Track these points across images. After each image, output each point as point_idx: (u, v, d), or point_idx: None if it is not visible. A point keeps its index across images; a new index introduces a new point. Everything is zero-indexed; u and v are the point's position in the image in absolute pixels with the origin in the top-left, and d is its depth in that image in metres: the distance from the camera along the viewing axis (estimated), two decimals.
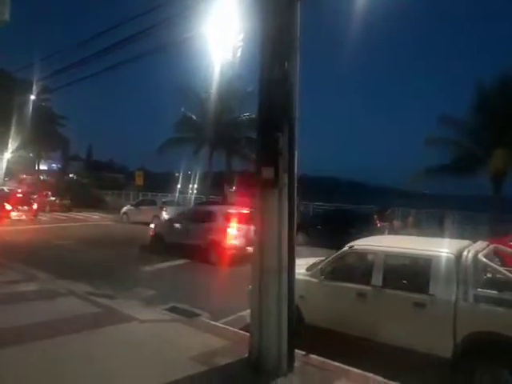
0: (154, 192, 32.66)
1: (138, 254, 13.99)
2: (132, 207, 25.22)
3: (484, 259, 5.09)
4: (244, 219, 12.35)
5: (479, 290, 4.87)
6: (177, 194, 29.96)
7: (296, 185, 5.00)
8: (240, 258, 10.96)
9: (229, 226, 12.23)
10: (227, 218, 12.56)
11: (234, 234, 12.12)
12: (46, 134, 38.29)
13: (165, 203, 24.36)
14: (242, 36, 8.89)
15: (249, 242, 10.65)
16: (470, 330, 4.71)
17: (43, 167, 53.54)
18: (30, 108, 30.01)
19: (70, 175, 59.39)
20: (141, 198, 28.54)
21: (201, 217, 13.37)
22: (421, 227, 17.52)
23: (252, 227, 8.03)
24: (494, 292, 4.80)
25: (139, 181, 32.43)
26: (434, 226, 17.56)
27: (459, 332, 4.77)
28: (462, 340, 4.74)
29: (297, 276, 5.16)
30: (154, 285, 9.25)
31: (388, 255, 5.71)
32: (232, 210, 13.23)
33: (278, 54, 4.84)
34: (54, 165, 61.27)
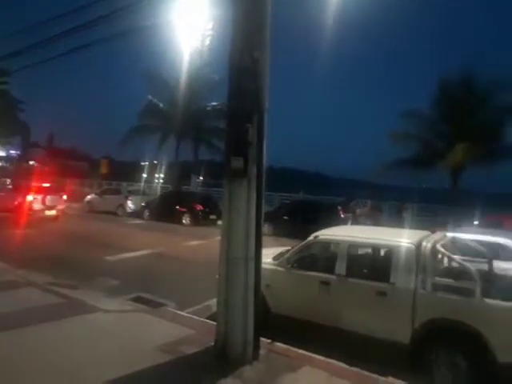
0: (119, 181, 31.95)
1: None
2: (96, 196, 24.60)
3: (442, 249, 5.32)
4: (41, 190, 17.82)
5: (437, 278, 5.10)
6: (142, 184, 29.41)
7: (264, 175, 5.04)
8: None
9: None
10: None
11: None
12: (3, 118, 36.58)
13: (130, 192, 23.91)
14: (211, 24, 8.78)
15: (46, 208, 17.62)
16: (427, 316, 4.93)
17: (1, 153, 51.25)
18: None
19: (31, 163, 57.11)
20: (105, 187, 27.87)
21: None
22: (381, 217, 18.21)
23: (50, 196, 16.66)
24: (450, 280, 5.04)
25: (104, 169, 31.69)
26: (394, 216, 18.24)
27: (417, 319, 4.97)
28: (419, 326, 4.95)
29: (263, 265, 5.23)
30: None
31: (351, 245, 5.88)
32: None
33: (248, 43, 4.82)
34: (12, 151, 58.71)
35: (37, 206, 17.65)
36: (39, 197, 17.84)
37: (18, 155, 57.18)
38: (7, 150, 56.16)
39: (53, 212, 18.25)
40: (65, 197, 19.71)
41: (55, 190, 19.23)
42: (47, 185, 19.25)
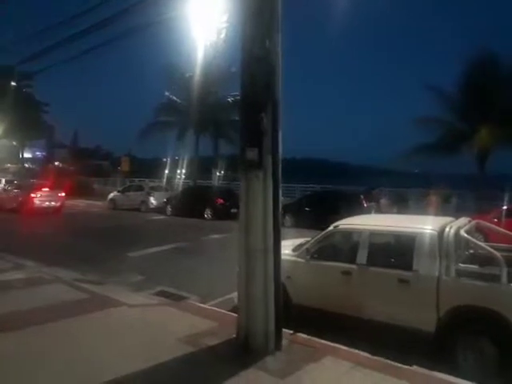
0: (141, 178, 32.40)
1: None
2: (119, 193, 25.01)
3: (466, 235, 5.18)
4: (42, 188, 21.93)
5: (461, 265, 4.97)
6: (164, 180, 29.74)
7: (280, 165, 4.99)
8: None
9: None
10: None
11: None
12: (29, 121, 37.55)
13: (152, 188, 24.22)
14: (226, 16, 8.70)
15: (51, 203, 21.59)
16: (452, 304, 4.81)
17: (27, 155, 52.67)
18: (12, 95, 29.34)
19: (56, 163, 58.52)
20: (128, 184, 28.32)
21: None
22: (406, 206, 17.75)
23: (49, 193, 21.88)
24: (475, 267, 4.90)
25: (125, 167, 32.15)
26: (419, 204, 17.81)
27: (442, 306, 4.87)
28: (444, 314, 4.84)
29: (283, 257, 5.20)
30: None
31: (372, 233, 5.77)
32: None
33: (259, 33, 4.76)
34: (38, 153, 60.29)
35: (37, 201, 21.37)
36: (39, 194, 21.62)
37: (44, 156, 58.64)
38: (33, 152, 57.70)
39: (52, 205, 21.91)
40: (63, 194, 22.80)
41: (54, 188, 22.79)
42: (48, 183, 23.37)
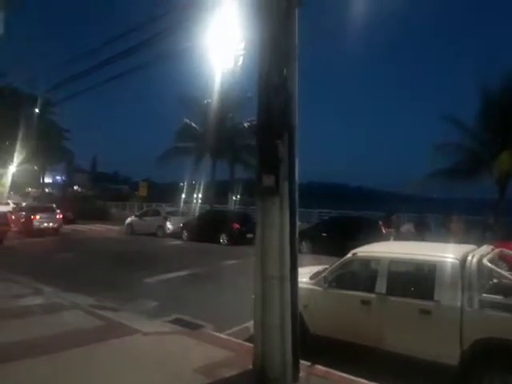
0: (159, 202, 32.67)
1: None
2: (136, 218, 25.18)
3: (489, 264, 5.02)
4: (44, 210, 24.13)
5: (485, 295, 4.80)
6: (181, 204, 29.91)
7: (297, 192, 4.97)
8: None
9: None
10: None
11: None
12: (50, 147, 38.54)
13: (169, 213, 24.34)
14: (243, 44, 8.89)
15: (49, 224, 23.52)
16: (476, 336, 4.63)
17: (48, 180, 53.80)
18: (35, 122, 30.27)
19: (75, 187, 59.63)
20: (145, 209, 28.56)
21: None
22: (426, 232, 17.27)
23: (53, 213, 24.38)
24: (499, 297, 4.73)
25: (143, 191, 32.51)
26: (439, 230, 17.36)
27: (466, 338, 4.69)
28: (469, 347, 4.65)
29: (300, 284, 5.12)
30: None
31: (392, 261, 5.65)
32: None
33: (277, 61, 4.83)
34: (58, 177, 61.60)
35: (36, 222, 23.36)
36: (38, 216, 23.55)
37: (63, 181, 59.85)
38: (53, 176, 58.97)
39: (50, 226, 23.85)
40: (60, 216, 24.99)
41: (52, 211, 24.76)
42: (48, 206, 25.78)
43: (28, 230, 22.86)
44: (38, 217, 23.50)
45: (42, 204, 28.23)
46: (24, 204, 27.88)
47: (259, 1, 5.03)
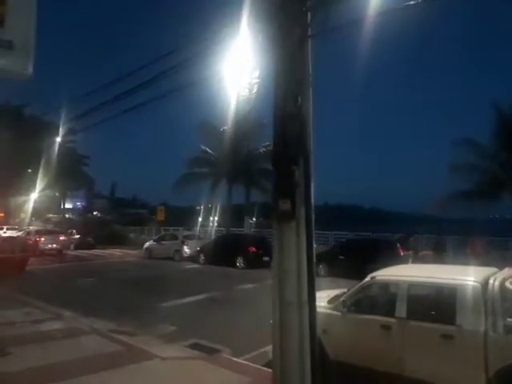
0: (176, 226, 32.92)
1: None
2: (154, 242, 25.40)
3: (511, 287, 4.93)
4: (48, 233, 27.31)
5: (509, 319, 4.69)
6: (198, 228, 30.08)
7: (313, 216, 5.00)
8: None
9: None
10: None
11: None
12: (71, 173, 39.49)
13: (186, 237, 24.48)
14: (257, 72, 9.13)
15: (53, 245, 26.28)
16: (502, 363, 4.50)
17: (68, 206, 54.77)
18: (56, 150, 31.10)
19: (94, 213, 60.50)
20: (162, 233, 28.80)
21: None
22: (445, 254, 16.89)
23: (57, 236, 27.67)
24: None
25: (160, 216, 32.80)
26: (458, 252, 16.99)
27: (491, 365, 4.56)
28: (494, 373, 4.52)
29: (318, 309, 5.07)
30: None
31: (411, 285, 5.58)
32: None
33: (291, 90, 4.94)
34: (78, 203, 62.60)
35: (41, 244, 25.42)
36: (43, 238, 26.32)
37: (83, 206, 60.83)
38: (73, 202, 60.04)
39: (54, 247, 26.70)
40: (63, 237, 27.98)
41: (56, 234, 28.23)
42: (54, 229, 29.87)
43: (34, 251, 23.62)
44: (42, 239, 26.01)
45: (47, 228, 32.15)
46: (31, 228, 30.77)
47: (273, 32, 5.18)
